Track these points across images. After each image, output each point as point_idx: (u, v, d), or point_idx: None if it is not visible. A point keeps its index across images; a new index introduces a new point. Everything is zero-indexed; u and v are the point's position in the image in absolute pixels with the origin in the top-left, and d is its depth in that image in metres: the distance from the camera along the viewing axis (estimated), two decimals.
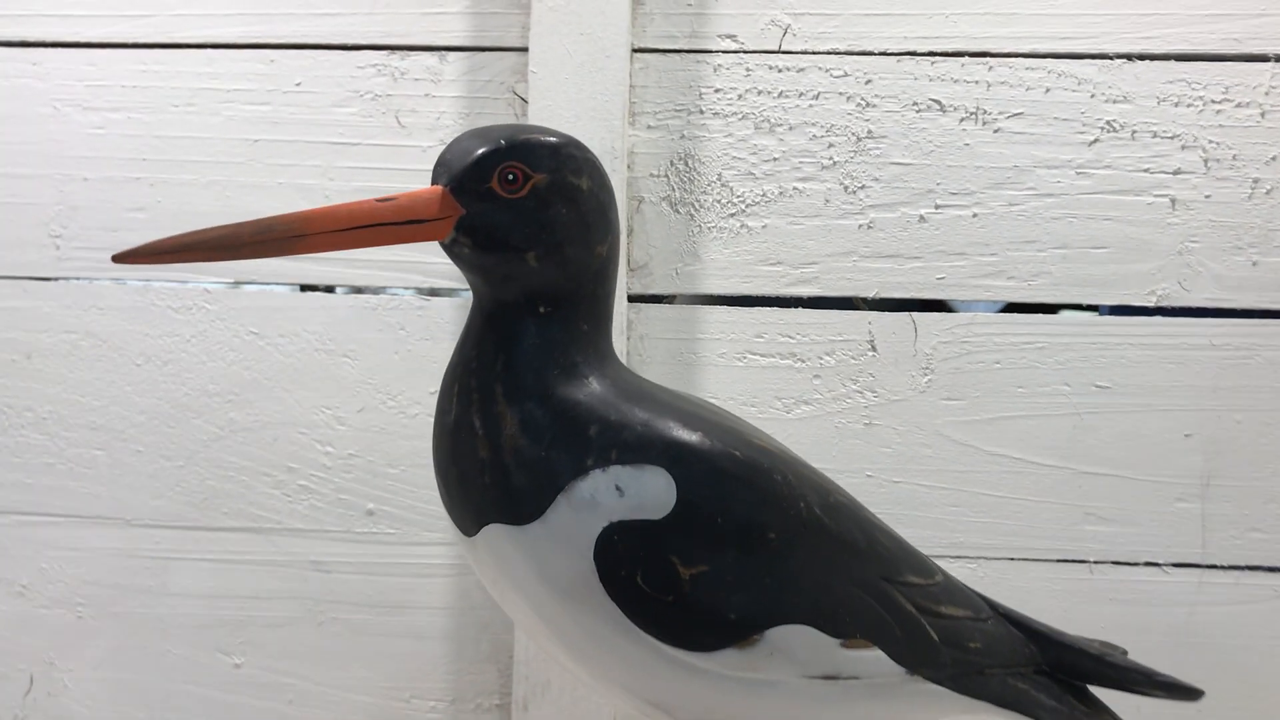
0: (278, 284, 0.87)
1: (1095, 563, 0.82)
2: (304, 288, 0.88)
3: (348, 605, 0.86)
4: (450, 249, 0.52)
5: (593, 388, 0.52)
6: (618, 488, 0.49)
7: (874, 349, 0.83)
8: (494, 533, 0.50)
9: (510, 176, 0.51)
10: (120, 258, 0.48)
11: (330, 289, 0.87)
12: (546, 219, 0.52)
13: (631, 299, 0.84)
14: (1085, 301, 0.83)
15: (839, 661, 0.52)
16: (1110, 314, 0.83)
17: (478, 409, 0.51)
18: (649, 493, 0.49)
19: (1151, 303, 0.82)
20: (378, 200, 0.51)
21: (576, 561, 0.49)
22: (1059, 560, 0.83)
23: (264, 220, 0.50)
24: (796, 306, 0.84)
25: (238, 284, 0.87)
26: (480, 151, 0.51)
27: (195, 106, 0.86)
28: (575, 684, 0.82)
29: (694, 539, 0.49)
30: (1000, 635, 0.57)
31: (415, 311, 0.85)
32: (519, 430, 0.50)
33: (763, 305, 0.84)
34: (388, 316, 0.86)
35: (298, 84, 0.85)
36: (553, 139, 0.53)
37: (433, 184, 0.53)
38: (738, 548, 0.50)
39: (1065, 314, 0.83)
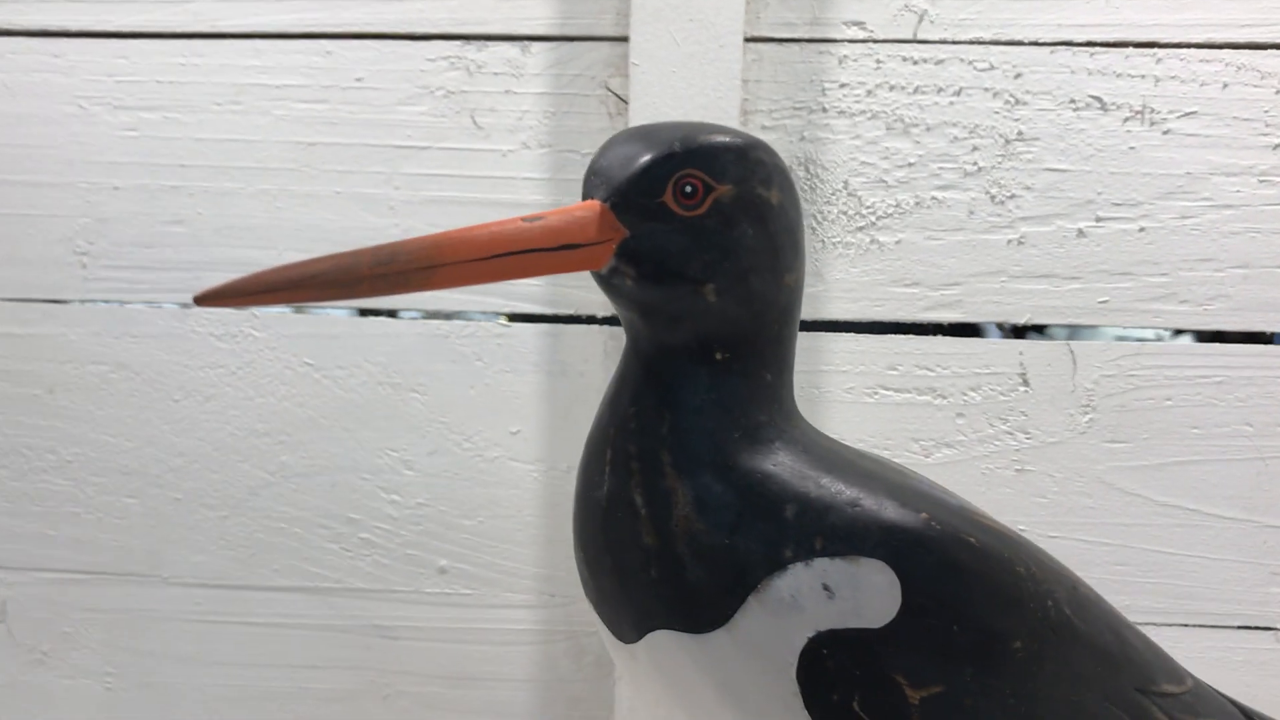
0: (335, 308, 0.77)
1: None
2: (364, 312, 0.77)
3: (417, 676, 0.76)
4: (608, 280, 0.42)
5: (783, 456, 0.42)
6: (826, 587, 0.39)
7: (1026, 383, 0.72)
8: (662, 641, 0.40)
9: (689, 189, 0.41)
10: (204, 299, 0.38)
11: (393, 314, 0.77)
12: (730, 242, 0.41)
13: None
14: (1269, 329, 0.72)
15: None
16: None
17: (640, 483, 0.41)
18: (867, 593, 0.39)
19: None
20: (524, 220, 0.41)
21: (774, 682, 0.39)
22: (1241, 627, 0.73)
23: (385, 249, 0.39)
24: (936, 334, 0.74)
25: (290, 308, 0.76)
26: (650, 157, 0.41)
27: (241, 105, 0.75)
28: None
29: (924, 653, 0.39)
30: None
31: (494, 340, 0.75)
32: (695, 511, 0.40)
33: (897, 332, 0.74)
34: (462, 345, 0.75)
35: (359, 79, 0.75)
36: (738, 141, 0.42)
37: (584, 198, 0.42)
38: (978, 663, 0.40)
39: (1246, 344, 0.72)
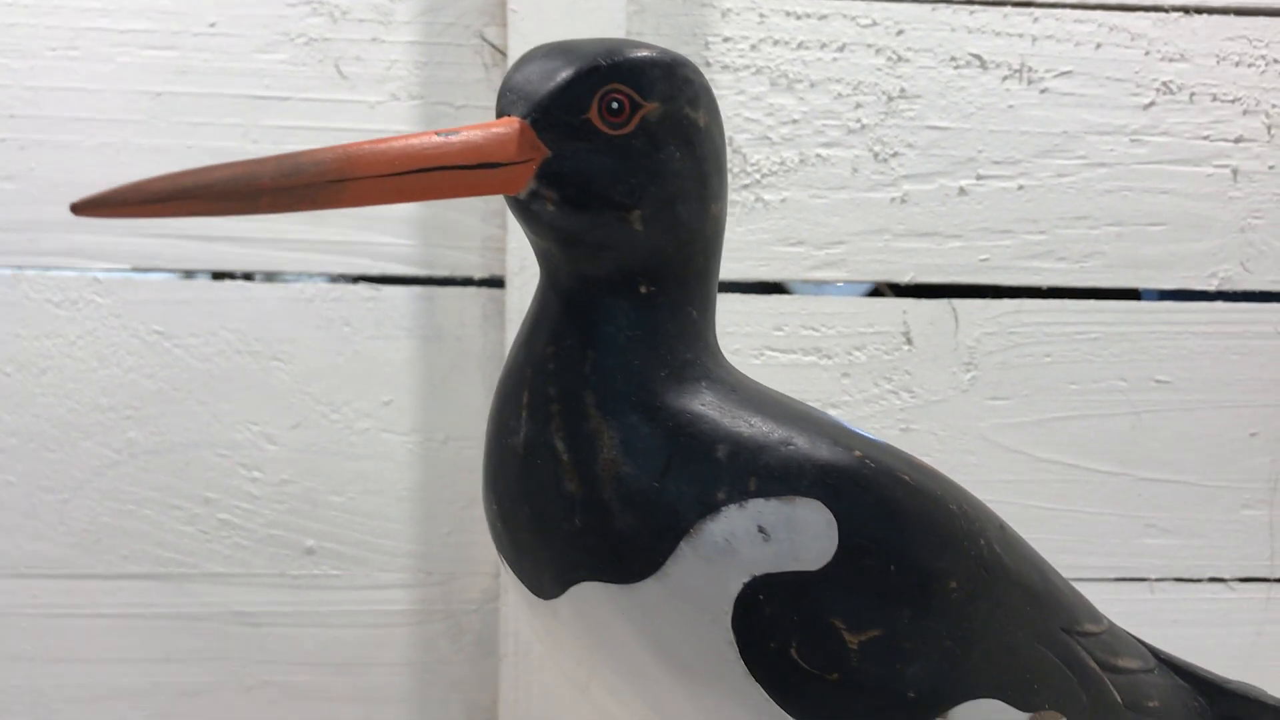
0: (186, 270, 0.71)
1: (1157, 580, 0.74)
2: (218, 275, 0.72)
3: (283, 665, 0.71)
4: (526, 206, 0.39)
5: (711, 395, 0.40)
6: (761, 529, 0.37)
7: (910, 342, 0.72)
8: (588, 594, 0.38)
9: (615, 105, 0.38)
10: (82, 208, 0.33)
11: (250, 276, 0.72)
12: (657, 165, 0.39)
13: None
14: (1141, 285, 0.74)
15: None
16: (1167, 299, 0.74)
17: (561, 426, 0.39)
18: (804, 535, 0.38)
19: (1213, 286, 0.74)
20: (438, 134, 0.37)
21: (708, 632, 0.37)
22: (1118, 579, 0.74)
23: (290, 159, 0.36)
24: (821, 294, 0.73)
25: (137, 270, 0.71)
26: (573, 71, 0.38)
27: (79, 50, 0.70)
28: None
29: (863, 596, 0.38)
30: (1171, 688, 0.48)
31: (363, 303, 0.71)
32: (622, 454, 0.38)
33: (782, 293, 0.73)
34: (328, 310, 0.71)
35: (211, 24, 0.70)
36: (665, 57, 0.40)
37: (499, 115, 0.39)
38: (916, 604, 0.39)
39: (1119, 300, 0.74)
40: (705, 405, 0.40)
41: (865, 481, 0.40)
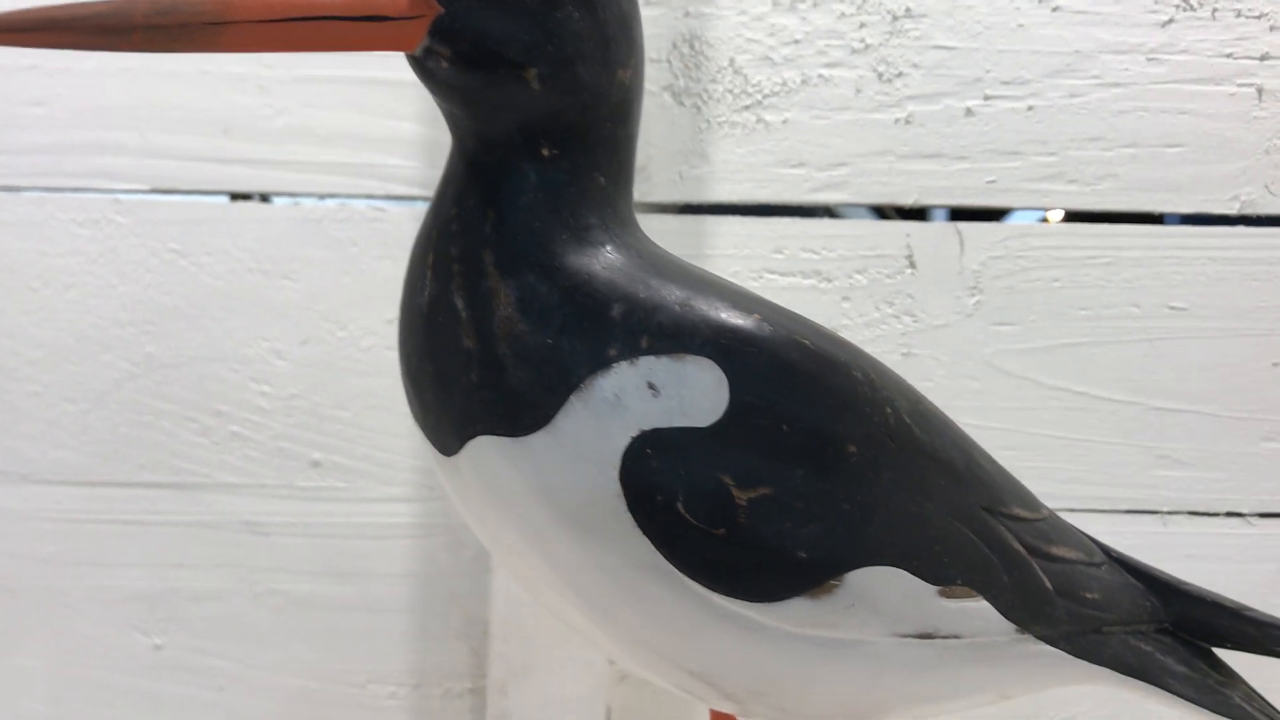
0: (205, 193, 0.74)
1: (1170, 513, 0.72)
2: (235, 196, 0.74)
3: (289, 574, 0.74)
4: (422, 64, 0.40)
5: (614, 259, 0.40)
6: (651, 385, 0.38)
7: (913, 265, 0.72)
8: (483, 448, 0.39)
9: None
10: None
11: (266, 198, 0.74)
12: (554, 24, 0.40)
13: None
14: (1158, 209, 0.72)
15: (936, 615, 0.41)
16: (1186, 223, 0.72)
17: (460, 285, 0.40)
18: (693, 391, 0.38)
19: (1234, 210, 0.72)
20: None
21: (596, 484, 0.37)
22: (1128, 511, 0.72)
23: None
24: (823, 216, 0.73)
25: (156, 192, 0.73)
26: None
27: None
28: (564, 664, 0.70)
29: (752, 454, 0.38)
30: (1118, 585, 0.47)
31: (369, 224, 0.73)
32: (517, 311, 0.39)
33: (783, 215, 0.73)
34: (336, 230, 0.73)
35: None
36: None
37: None
38: (810, 465, 0.39)
39: (1135, 224, 0.72)
40: (604, 267, 0.41)
41: (760, 342, 0.40)
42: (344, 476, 0.75)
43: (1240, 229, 0.73)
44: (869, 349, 0.72)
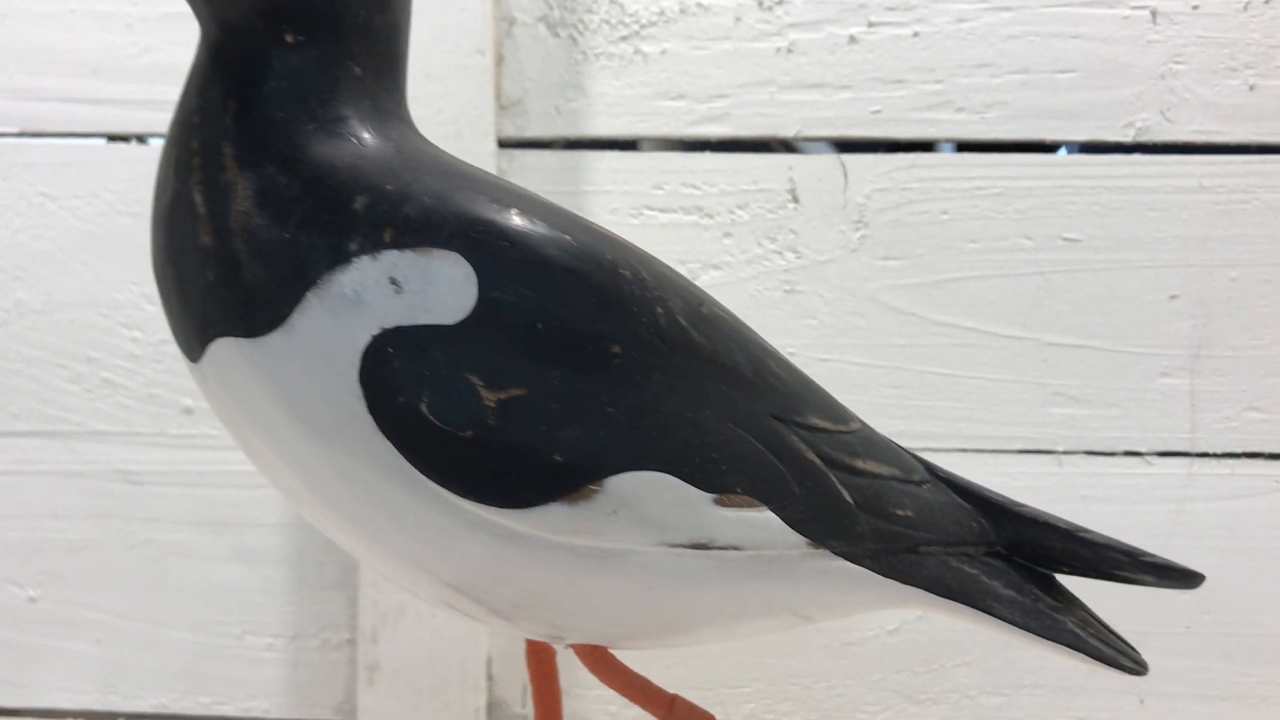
0: (78, 135, 0.72)
1: (1065, 453, 0.70)
2: (113, 138, 0.72)
3: (164, 524, 0.73)
4: None
5: (366, 152, 0.38)
6: (393, 281, 0.36)
7: (796, 200, 0.69)
8: (223, 350, 0.37)
9: None
10: None
11: (143, 139, 0.72)
12: None
13: (503, 144, 0.70)
14: (1050, 138, 0.70)
15: (711, 524, 0.39)
16: (1080, 152, 0.70)
17: (199, 180, 0.38)
18: (439, 287, 0.36)
19: (1129, 137, 0.70)
20: None
21: (335, 386, 0.36)
22: (1021, 451, 0.70)
23: None
24: (703, 150, 0.70)
25: (25, 135, 0.72)
26: None
27: None
28: (434, 611, 0.67)
29: (504, 352, 0.36)
30: (941, 504, 0.44)
31: None
32: (254, 205, 0.37)
33: (662, 149, 0.70)
34: None
35: None
36: None
37: None
38: (567, 365, 0.37)
39: (1026, 153, 0.69)
40: (353, 160, 0.39)
41: (513, 236, 0.38)
42: (216, 424, 0.73)
43: (1136, 157, 0.70)
44: (751, 286, 0.71)
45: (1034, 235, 0.70)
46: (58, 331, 0.73)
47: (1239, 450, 0.70)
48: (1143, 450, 0.71)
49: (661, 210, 0.72)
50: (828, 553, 0.42)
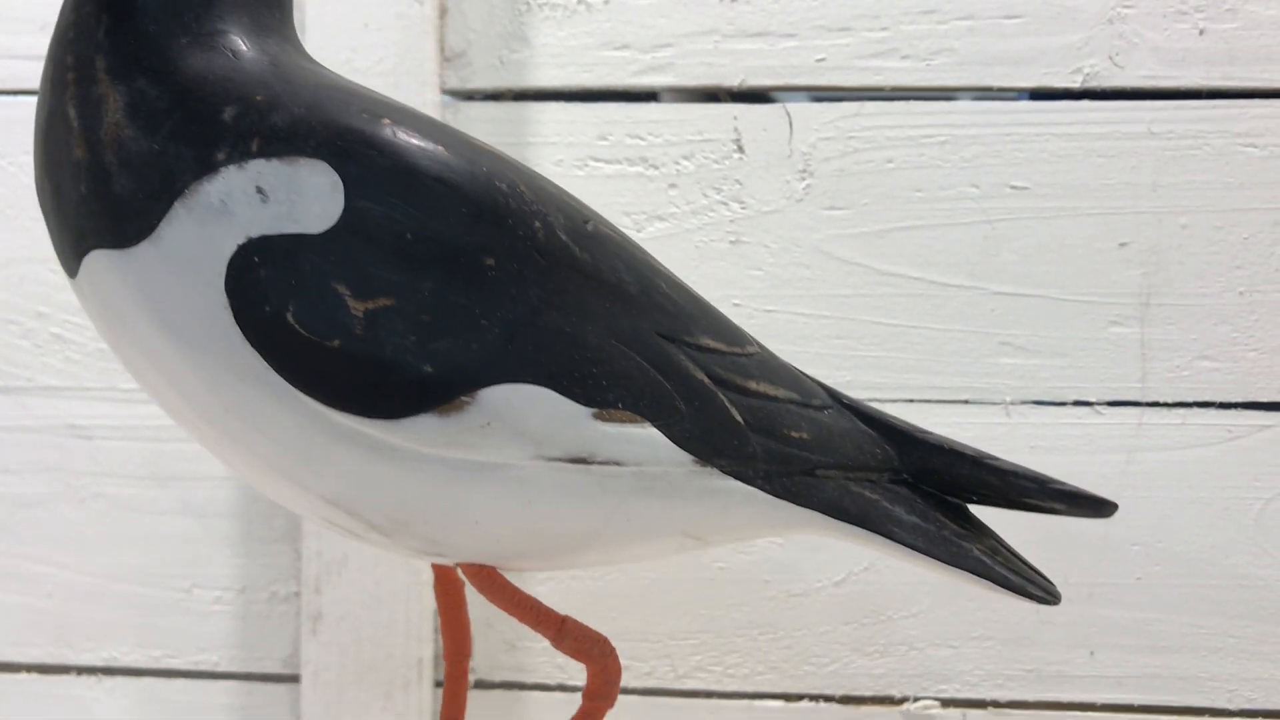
0: (26, 92, 0.73)
1: (1013, 403, 0.69)
2: None
3: (114, 478, 0.74)
4: None
5: (237, 63, 0.38)
6: (259, 190, 0.36)
7: (741, 150, 0.69)
8: (96, 264, 0.38)
9: None
10: None
11: None
12: None
13: (447, 95, 0.70)
14: (996, 84, 0.69)
15: (591, 438, 0.39)
16: (1027, 98, 0.69)
17: (73, 94, 0.38)
18: (305, 196, 0.36)
19: (1077, 83, 0.70)
20: None
21: (202, 297, 0.36)
22: (968, 401, 0.70)
23: None
24: (648, 100, 0.70)
25: None
26: None
27: None
28: (378, 561, 0.68)
29: (372, 262, 0.36)
30: (842, 429, 0.44)
31: None
32: (125, 116, 0.37)
33: (607, 100, 0.71)
34: None
35: None
36: None
37: None
38: (437, 277, 0.37)
39: (971, 100, 0.69)
40: (225, 72, 0.39)
41: (383, 146, 0.38)
42: None
43: (1084, 103, 0.70)
44: (696, 237, 0.71)
45: (981, 183, 0.70)
46: (8, 287, 0.74)
47: (1190, 400, 0.70)
48: (1092, 400, 0.70)
49: (607, 162, 0.72)
50: (716, 471, 0.42)
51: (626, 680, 0.71)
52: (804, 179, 0.71)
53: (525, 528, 0.41)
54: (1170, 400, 0.70)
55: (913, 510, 0.46)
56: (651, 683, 0.72)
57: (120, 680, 0.74)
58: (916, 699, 0.71)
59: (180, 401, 0.39)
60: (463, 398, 0.38)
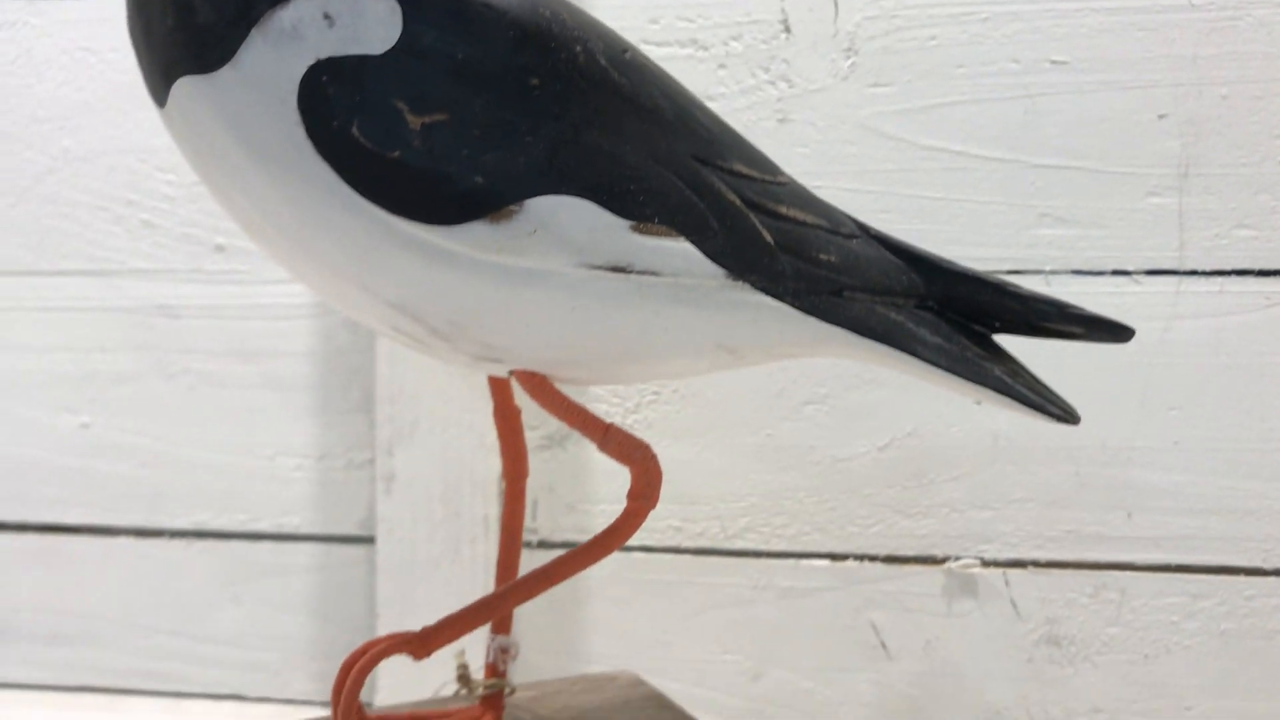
0: None
1: (1053, 272, 0.72)
2: None
3: (201, 354, 0.78)
4: None
5: None
6: (326, 15, 0.40)
7: (788, 30, 0.72)
8: (183, 90, 0.42)
9: None
10: None
11: None
12: None
13: None
14: None
15: (629, 248, 0.42)
16: None
17: None
18: (367, 20, 0.40)
19: None
20: None
21: (278, 113, 0.40)
22: (1010, 271, 0.72)
23: None
24: None
25: None
26: None
27: None
28: (447, 424, 0.72)
29: (426, 81, 0.40)
30: (870, 256, 0.47)
31: None
32: None
33: None
34: None
35: None
36: None
37: None
38: (487, 95, 0.40)
39: None
40: None
41: None
42: (247, 260, 0.78)
43: None
44: (745, 116, 0.74)
45: (1021, 59, 0.72)
46: (100, 177, 0.79)
47: (1228, 268, 0.71)
48: (1131, 269, 0.72)
49: (658, 44, 0.74)
50: (747, 286, 0.45)
51: (679, 541, 0.75)
52: (849, 57, 0.73)
53: (571, 332, 0.44)
54: (1208, 269, 0.71)
55: (937, 333, 0.48)
56: (703, 543, 0.76)
57: (209, 543, 0.80)
58: (958, 559, 0.74)
59: (261, 218, 0.44)
60: (511, 206, 0.42)
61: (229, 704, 0.80)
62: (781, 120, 0.74)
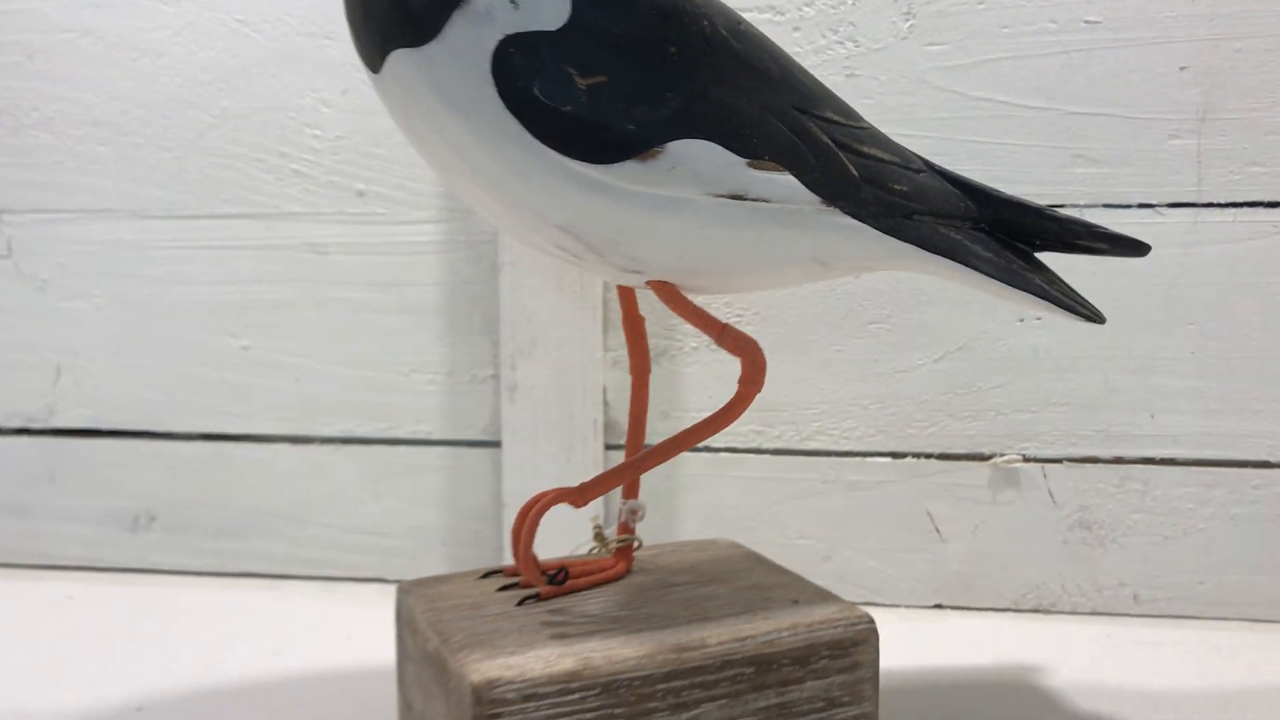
0: None
1: (1086, 206, 0.82)
2: None
3: (345, 285, 0.90)
4: None
5: None
6: (513, 1, 0.50)
7: None
8: (397, 60, 0.53)
9: None
10: None
11: None
12: None
13: None
14: None
15: (745, 181, 0.53)
16: None
17: None
18: (543, 5, 0.51)
19: None
20: None
21: (476, 78, 0.51)
22: (1048, 204, 0.81)
23: None
24: None
25: None
26: None
27: None
28: (560, 344, 0.84)
29: (590, 51, 0.51)
30: (934, 187, 0.58)
31: None
32: None
33: None
34: None
35: None
36: None
37: None
38: (637, 60, 0.52)
39: None
40: None
41: None
42: (383, 204, 0.90)
43: None
44: (817, 72, 0.85)
45: (1059, 19, 0.82)
46: (255, 131, 0.91)
47: (1241, 200, 0.82)
48: (1154, 202, 0.83)
49: (740, 8, 0.85)
50: (837, 210, 0.57)
51: (759, 442, 0.87)
52: (908, 20, 0.83)
53: (699, 247, 0.56)
54: (1223, 201, 0.82)
55: (988, 249, 0.59)
56: (781, 444, 0.87)
57: (355, 448, 0.93)
58: (1002, 455, 0.85)
59: (458, 160, 0.55)
60: (655, 149, 0.53)
61: (372, 585, 0.93)
62: (849, 75, 0.85)
